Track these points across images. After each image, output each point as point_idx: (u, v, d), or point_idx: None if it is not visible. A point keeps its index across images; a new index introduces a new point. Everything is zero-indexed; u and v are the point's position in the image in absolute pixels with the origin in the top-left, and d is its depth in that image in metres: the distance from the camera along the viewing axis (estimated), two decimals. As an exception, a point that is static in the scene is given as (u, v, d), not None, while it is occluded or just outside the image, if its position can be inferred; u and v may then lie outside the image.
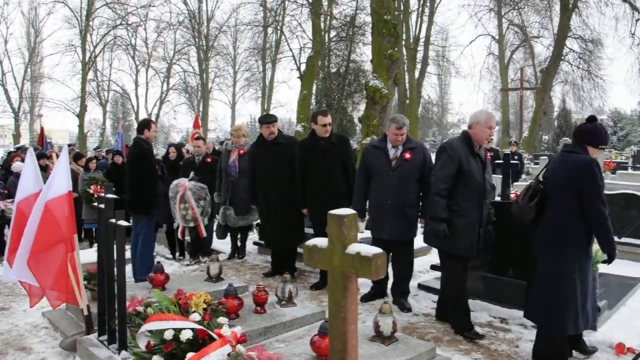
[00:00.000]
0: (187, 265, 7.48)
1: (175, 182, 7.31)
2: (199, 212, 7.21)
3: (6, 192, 8.70)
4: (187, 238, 7.70)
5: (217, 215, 7.62)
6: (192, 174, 7.48)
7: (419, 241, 8.05)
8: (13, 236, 3.99)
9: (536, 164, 18.19)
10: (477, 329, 4.69)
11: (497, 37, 32.73)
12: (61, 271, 3.90)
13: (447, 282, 4.78)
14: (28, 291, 4.07)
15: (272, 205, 6.26)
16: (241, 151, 7.29)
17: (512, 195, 9.31)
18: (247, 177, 6.62)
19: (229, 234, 7.64)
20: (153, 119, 37.39)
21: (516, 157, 13.69)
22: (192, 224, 7.28)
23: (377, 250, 1.73)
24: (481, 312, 5.08)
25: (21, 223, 3.92)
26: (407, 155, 5.18)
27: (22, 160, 9.20)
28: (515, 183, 12.38)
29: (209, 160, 7.71)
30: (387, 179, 5.14)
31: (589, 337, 4.34)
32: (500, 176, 12.11)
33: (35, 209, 3.82)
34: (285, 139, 6.49)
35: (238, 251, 7.72)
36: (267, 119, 6.30)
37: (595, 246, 4.54)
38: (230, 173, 7.26)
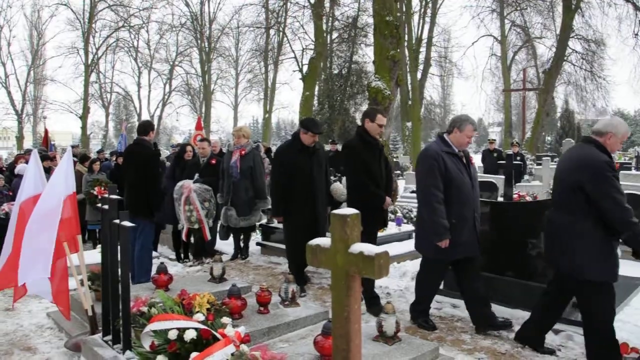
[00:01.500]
0: (191, 266, 7.49)
1: (180, 183, 7.32)
2: (203, 214, 7.22)
3: (11, 194, 8.73)
4: (192, 239, 7.71)
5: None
6: (196, 176, 7.49)
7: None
8: (16, 236, 4.00)
9: (539, 164, 18.17)
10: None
11: (499, 38, 32.74)
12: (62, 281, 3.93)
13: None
14: (15, 288, 4.07)
15: (309, 214, 5.80)
16: (242, 152, 7.28)
17: (515, 196, 9.34)
18: (273, 183, 6.07)
19: (231, 234, 7.65)
20: (156, 120, 37.56)
21: (519, 158, 13.72)
22: (196, 226, 7.28)
23: (381, 249, 1.74)
24: (484, 312, 5.08)
25: (22, 224, 3.95)
26: (472, 160, 4.77)
27: (27, 162, 9.25)
28: (518, 184, 12.38)
29: (213, 161, 7.70)
30: (469, 190, 4.48)
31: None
32: (503, 177, 12.16)
33: (37, 213, 3.86)
34: (319, 145, 6.18)
35: (241, 252, 7.73)
36: (317, 128, 5.87)
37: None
38: (232, 174, 7.24)
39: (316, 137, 5.88)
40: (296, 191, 5.75)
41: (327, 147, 17.66)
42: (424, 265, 4.83)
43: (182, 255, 8.01)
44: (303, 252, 4.92)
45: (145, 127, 6.49)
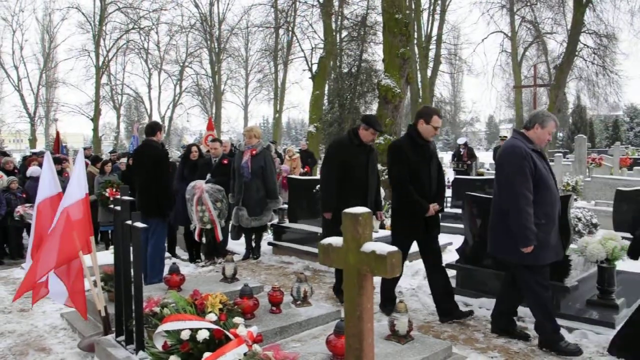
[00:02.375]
0: (203, 266, 7.51)
1: (192, 184, 7.34)
2: (215, 214, 7.24)
3: (24, 196, 8.82)
4: (204, 239, 7.72)
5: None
6: (208, 176, 7.52)
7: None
8: (36, 236, 4.05)
9: (550, 161, 18.01)
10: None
11: (509, 34, 32.49)
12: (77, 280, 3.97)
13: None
14: (33, 290, 4.11)
15: None
16: (253, 152, 7.29)
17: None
18: (326, 178, 5.58)
19: (243, 234, 7.67)
20: (166, 121, 37.76)
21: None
22: (209, 226, 7.30)
23: (392, 248, 1.73)
24: (497, 310, 5.04)
25: (41, 223, 4.01)
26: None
27: (39, 165, 9.33)
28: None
29: (225, 162, 7.72)
30: (555, 189, 4.25)
31: (607, 335, 4.30)
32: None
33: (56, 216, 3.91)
34: (373, 144, 5.93)
35: (253, 252, 7.75)
36: (379, 126, 5.57)
37: (613, 243, 4.52)
38: (243, 174, 7.25)
39: (376, 135, 5.57)
40: (349, 189, 5.40)
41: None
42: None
43: (194, 256, 8.01)
44: None
45: (153, 128, 6.52)
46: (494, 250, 4.40)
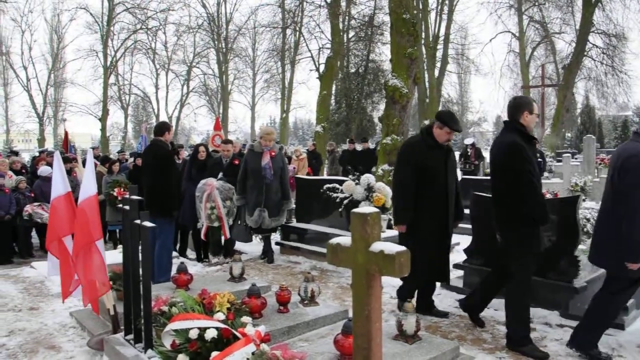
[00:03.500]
0: (210, 265, 7.53)
1: (203, 181, 7.37)
2: (224, 212, 7.25)
3: (32, 195, 8.87)
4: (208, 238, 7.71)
5: (245, 218, 7.57)
6: (220, 175, 7.54)
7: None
8: (50, 229, 4.11)
9: (559, 161, 17.95)
10: (501, 328, 4.66)
11: (517, 34, 32.35)
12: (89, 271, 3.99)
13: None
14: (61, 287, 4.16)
15: (438, 226, 4.82)
16: (273, 153, 7.29)
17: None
18: (399, 185, 4.89)
19: (253, 236, 7.66)
20: (174, 121, 37.88)
21: (538, 155, 13.56)
22: (216, 224, 7.32)
23: (401, 248, 1.73)
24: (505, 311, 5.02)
25: (54, 220, 4.07)
26: None
27: (48, 164, 9.39)
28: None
29: (236, 162, 7.72)
30: None
31: (616, 336, 4.29)
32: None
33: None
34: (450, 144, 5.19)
35: (267, 254, 7.71)
36: (457, 124, 4.84)
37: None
38: (265, 175, 7.20)
39: (452, 134, 4.88)
40: (425, 197, 4.72)
41: (345, 147, 17.67)
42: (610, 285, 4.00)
43: (202, 255, 8.00)
44: (426, 270, 4.42)
45: (161, 128, 6.55)
46: (596, 262, 4.10)
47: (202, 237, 7.58)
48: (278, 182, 7.33)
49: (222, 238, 7.65)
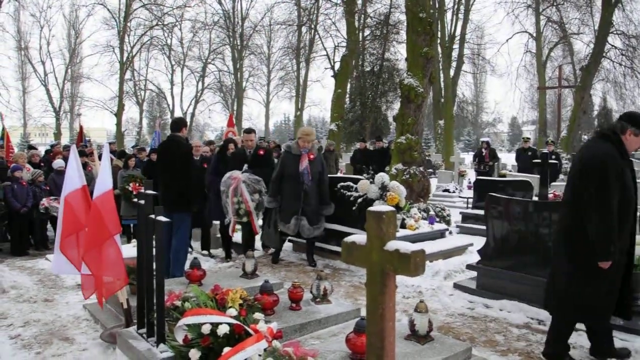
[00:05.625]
0: (224, 262, 7.50)
1: (228, 174, 7.04)
2: (253, 206, 6.90)
3: (48, 188, 8.96)
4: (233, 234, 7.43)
5: (280, 224, 7.06)
6: (245, 167, 7.19)
7: (453, 240, 8.02)
8: (64, 226, 4.11)
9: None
10: (514, 330, 4.63)
11: (534, 35, 32.03)
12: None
13: None
14: (82, 284, 4.17)
15: (627, 254, 3.87)
16: (311, 156, 6.89)
17: (551, 195, 9.15)
18: (606, 214, 3.61)
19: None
20: (188, 117, 38.08)
21: (554, 157, 13.44)
22: (245, 219, 6.98)
23: (416, 247, 1.72)
24: (518, 313, 5.00)
25: (70, 215, 4.08)
26: None
27: (64, 158, 9.48)
28: (553, 183, 12.14)
29: (261, 152, 7.41)
30: None
31: (633, 341, 4.24)
32: (538, 176, 11.92)
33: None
34: None
35: (310, 259, 7.30)
36: None
37: (639, 249, 4.43)
38: (304, 181, 6.78)
39: None
40: (622, 218, 3.74)
41: (357, 145, 17.63)
42: None
43: (231, 253, 7.70)
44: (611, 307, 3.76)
45: (178, 124, 6.59)
46: None
47: (230, 233, 7.25)
48: (316, 187, 6.93)
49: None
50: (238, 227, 7.34)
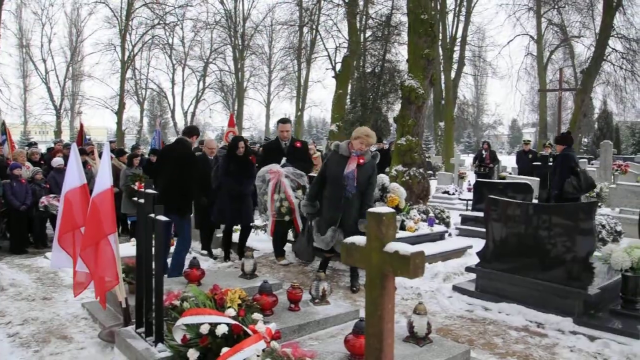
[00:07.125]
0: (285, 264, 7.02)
1: (265, 168, 6.52)
2: (296, 203, 6.31)
3: (47, 186, 8.95)
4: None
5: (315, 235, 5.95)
6: (284, 160, 6.66)
7: (452, 242, 8.01)
8: (62, 222, 4.11)
9: (575, 166, 17.73)
10: (512, 333, 4.63)
11: (535, 37, 32.06)
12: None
13: None
14: (74, 280, 4.17)
15: None
16: (361, 160, 5.62)
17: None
18: None
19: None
20: (189, 117, 38.10)
21: (552, 159, 13.45)
22: (287, 218, 6.43)
23: (416, 249, 1.72)
24: (517, 315, 4.99)
25: (69, 212, 4.09)
26: None
27: (64, 156, 9.47)
28: (553, 186, 12.14)
29: (298, 144, 6.89)
30: None
31: (630, 345, 4.23)
32: (537, 178, 11.92)
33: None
34: None
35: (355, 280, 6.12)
36: None
37: (639, 252, 4.43)
38: (347, 187, 5.58)
39: None
40: None
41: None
42: None
43: (230, 253, 7.37)
44: None
45: (192, 131, 6.75)
46: None
47: (270, 234, 6.70)
48: (360, 196, 5.69)
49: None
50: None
